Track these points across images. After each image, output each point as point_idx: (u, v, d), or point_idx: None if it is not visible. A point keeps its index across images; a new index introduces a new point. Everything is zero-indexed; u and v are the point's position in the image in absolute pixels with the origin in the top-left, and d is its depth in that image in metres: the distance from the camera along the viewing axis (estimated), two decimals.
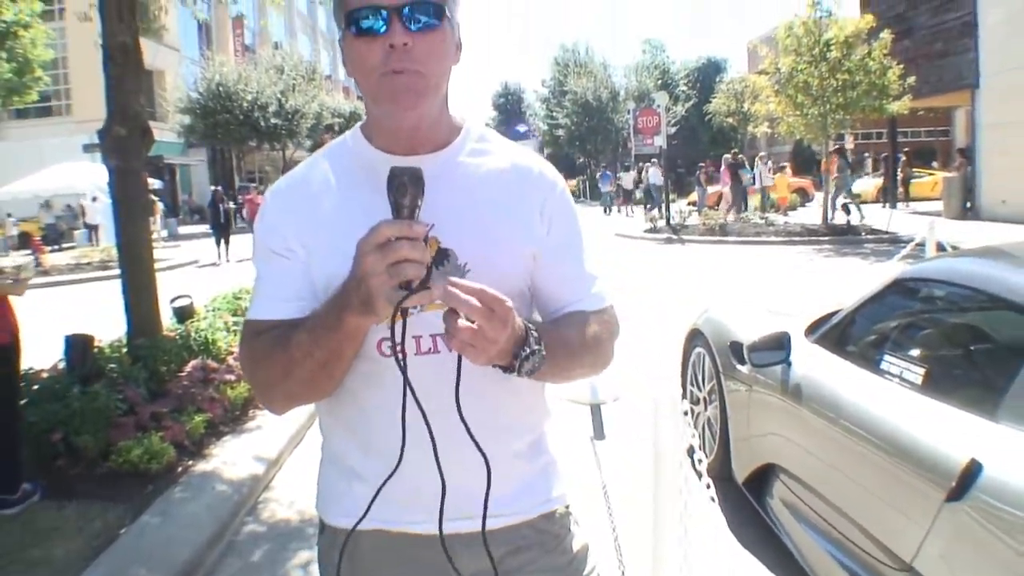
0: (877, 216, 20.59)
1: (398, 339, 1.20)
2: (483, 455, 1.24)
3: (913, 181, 29.02)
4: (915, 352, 3.05)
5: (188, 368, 5.84)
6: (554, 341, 1.31)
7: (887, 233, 17.89)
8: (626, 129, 36.07)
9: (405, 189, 1.11)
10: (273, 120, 36.93)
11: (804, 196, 30.64)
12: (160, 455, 4.71)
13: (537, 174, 1.45)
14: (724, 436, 4.28)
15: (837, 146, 21.84)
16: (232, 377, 5.96)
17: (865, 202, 28.10)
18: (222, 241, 20.41)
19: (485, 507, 1.27)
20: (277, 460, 5.20)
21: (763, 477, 3.81)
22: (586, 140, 51.11)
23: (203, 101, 35.69)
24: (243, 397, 5.90)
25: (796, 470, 3.44)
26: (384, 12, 1.24)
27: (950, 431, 2.44)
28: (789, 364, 3.54)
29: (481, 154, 1.42)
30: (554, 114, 54.04)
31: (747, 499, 3.92)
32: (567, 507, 1.54)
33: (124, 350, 5.99)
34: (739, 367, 4.10)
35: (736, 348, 4.16)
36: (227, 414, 5.69)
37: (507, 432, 1.42)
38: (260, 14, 40.49)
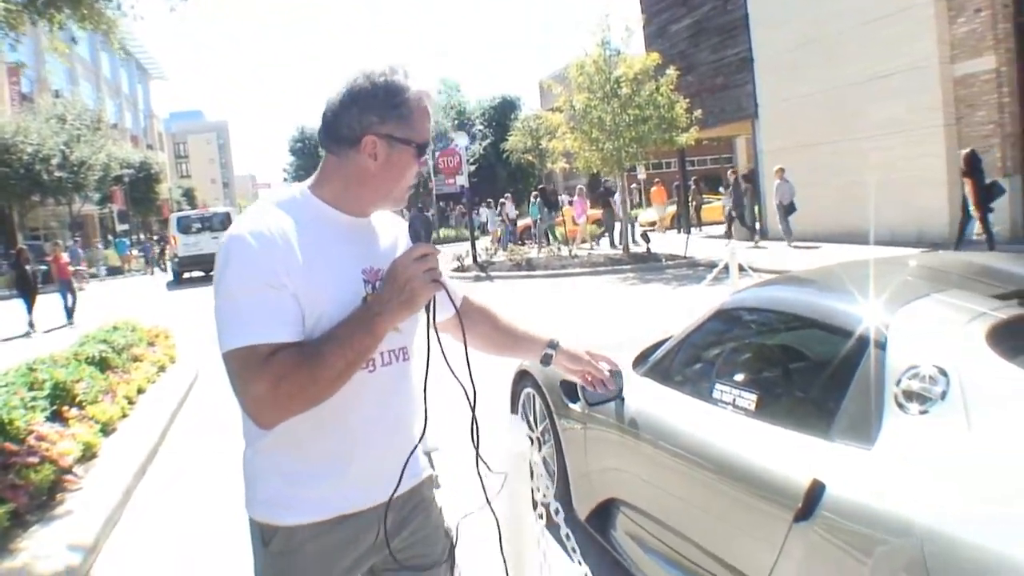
0: (674, 242, 21.63)
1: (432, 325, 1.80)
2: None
3: (704, 206, 30.92)
4: (745, 378, 3.15)
5: None
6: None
7: (685, 258, 18.86)
8: (426, 169, 36.26)
9: (420, 226, 1.76)
10: (57, 173, 34.85)
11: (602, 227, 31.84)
12: None
13: (399, 222, 1.99)
14: (563, 475, 4.27)
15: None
16: (35, 459, 5.35)
17: (666, 228, 29.78)
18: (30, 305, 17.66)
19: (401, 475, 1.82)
20: (94, 546, 4.72)
21: (605, 512, 3.82)
22: None
23: None
24: (50, 480, 5.32)
25: (639, 503, 3.47)
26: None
27: (789, 453, 2.52)
28: (622, 399, 3.56)
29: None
30: None
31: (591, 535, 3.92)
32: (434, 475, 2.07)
33: None
34: (572, 405, 4.10)
35: (567, 387, 4.16)
36: (33, 501, 5.11)
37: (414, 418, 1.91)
38: (39, 60, 37.96)
